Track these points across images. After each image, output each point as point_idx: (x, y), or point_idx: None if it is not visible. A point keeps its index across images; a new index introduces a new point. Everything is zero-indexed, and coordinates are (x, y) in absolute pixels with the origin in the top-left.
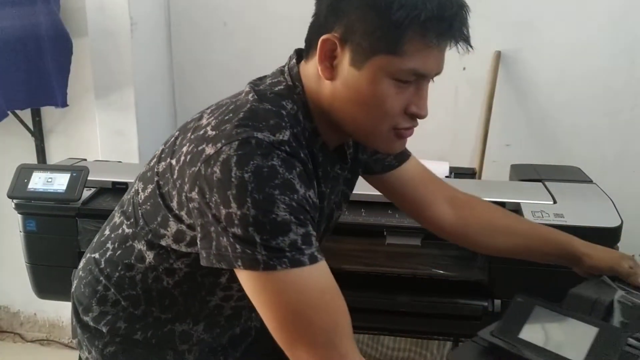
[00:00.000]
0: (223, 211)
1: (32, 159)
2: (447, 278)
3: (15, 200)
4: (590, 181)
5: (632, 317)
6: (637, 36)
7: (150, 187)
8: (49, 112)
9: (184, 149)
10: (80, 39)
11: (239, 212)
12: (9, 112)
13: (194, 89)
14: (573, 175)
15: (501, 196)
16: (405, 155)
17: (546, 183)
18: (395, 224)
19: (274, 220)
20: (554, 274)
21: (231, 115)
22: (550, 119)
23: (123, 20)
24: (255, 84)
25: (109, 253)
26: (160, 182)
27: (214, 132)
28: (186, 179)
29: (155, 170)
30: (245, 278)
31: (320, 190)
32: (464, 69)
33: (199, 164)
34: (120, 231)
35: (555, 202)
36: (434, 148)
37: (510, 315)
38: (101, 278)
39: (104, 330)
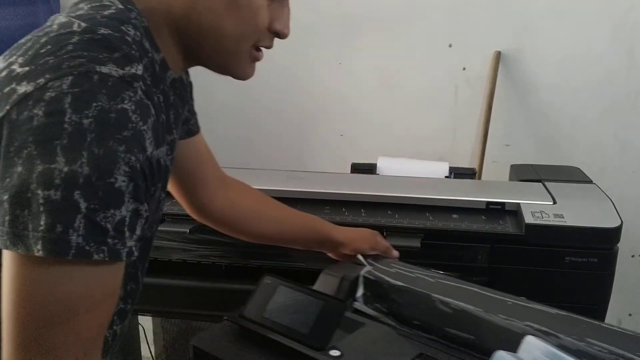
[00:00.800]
0: (39, 167)
1: None
2: None
3: None
4: (590, 181)
5: (374, 289)
6: (638, 36)
7: None
8: None
9: None
10: None
11: (65, 169)
12: None
13: (194, 88)
14: (573, 176)
15: (501, 196)
16: (198, 126)
17: (546, 183)
18: (395, 224)
19: (110, 186)
20: (554, 274)
21: (50, 47)
22: (551, 119)
23: None
24: (69, 13)
25: None
26: None
27: (26, 68)
28: None
29: None
30: (14, 264)
31: (172, 139)
32: (464, 68)
33: (6, 108)
34: None
35: (555, 202)
36: (433, 148)
37: (257, 295)
38: None
39: None
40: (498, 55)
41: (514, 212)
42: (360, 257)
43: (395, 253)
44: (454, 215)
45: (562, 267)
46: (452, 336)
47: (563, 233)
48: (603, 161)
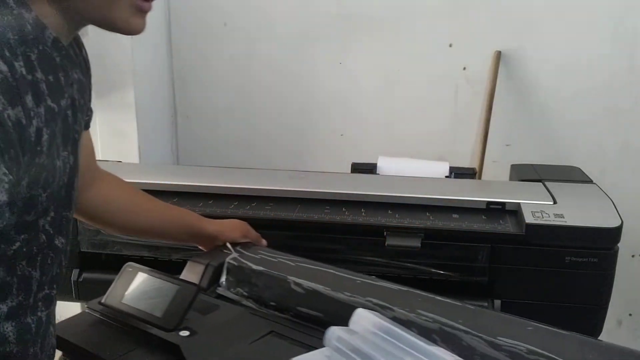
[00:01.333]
0: None
1: None
2: (447, 278)
3: None
4: (591, 181)
5: (237, 275)
6: (637, 36)
7: None
8: None
9: None
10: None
11: None
12: None
13: (194, 88)
14: (573, 176)
15: (501, 196)
16: (89, 124)
17: (546, 183)
18: (396, 224)
19: None
20: (555, 274)
21: None
22: (551, 119)
23: None
24: None
25: None
26: None
27: None
28: None
29: None
30: None
31: (69, 103)
32: (464, 68)
33: None
34: None
35: (555, 202)
36: (434, 148)
37: (117, 283)
38: None
39: None
40: (498, 55)
41: (515, 212)
42: (229, 245)
43: (264, 242)
44: (455, 215)
45: (563, 267)
46: (304, 314)
47: (563, 233)
48: (603, 161)
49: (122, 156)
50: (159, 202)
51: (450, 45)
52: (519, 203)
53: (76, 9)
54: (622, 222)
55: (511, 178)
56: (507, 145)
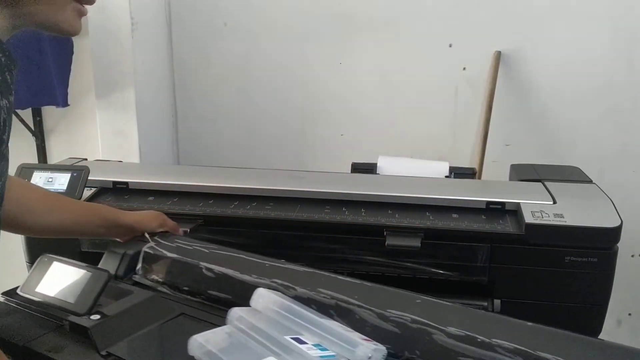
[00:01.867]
0: None
1: (33, 159)
2: (447, 278)
3: None
4: (590, 181)
5: (153, 262)
6: (637, 36)
7: None
8: (49, 112)
9: None
10: (81, 39)
11: None
12: None
13: (195, 89)
14: (573, 176)
15: (501, 196)
16: None
17: (546, 183)
18: (396, 223)
19: None
20: (554, 274)
21: None
22: (551, 119)
23: (124, 20)
24: None
25: None
26: None
27: None
28: None
29: None
30: None
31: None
32: (464, 69)
33: None
34: None
35: (555, 202)
36: (434, 148)
37: (33, 273)
38: None
39: None
40: (498, 55)
41: (514, 211)
42: (146, 235)
43: (181, 231)
44: (454, 215)
45: (562, 267)
46: (214, 297)
47: (563, 233)
48: (603, 161)
49: (122, 156)
50: (71, 200)
51: (450, 45)
52: (518, 203)
53: (24, 13)
54: (621, 221)
55: (511, 178)
56: (507, 145)
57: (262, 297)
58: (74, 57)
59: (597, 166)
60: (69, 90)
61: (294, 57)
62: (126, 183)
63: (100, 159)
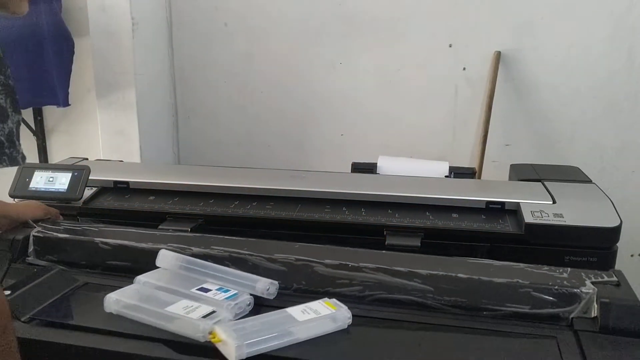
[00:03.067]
0: None
1: (34, 158)
2: None
3: (17, 200)
4: (590, 181)
5: (44, 244)
6: (637, 36)
7: None
8: (50, 112)
9: None
10: (82, 39)
11: None
12: None
13: (195, 88)
14: (572, 175)
15: (501, 196)
16: None
17: (545, 183)
18: (396, 223)
19: None
20: None
21: None
22: (550, 119)
23: (124, 20)
24: None
25: None
26: None
27: None
28: None
29: None
30: None
31: None
32: (464, 69)
33: None
34: None
35: (554, 202)
36: (434, 148)
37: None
38: None
39: None
40: (498, 55)
41: (514, 211)
42: (30, 222)
43: (61, 217)
44: (454, 215)
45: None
46: (114, 266)
47: (563, 232)
48: (603, 161)
49: (123, 155)
50: None
51: (450, 46)
52: (518, 203)
53: None
54: (621, 221)
55: (510, 178)
56: (507, 145)
57: (166, 257)
58: (74, 57)
59: (597, 166)
60: (70, 90)
61: (294, 57)
62: (127, 183)
63: (101, 158)
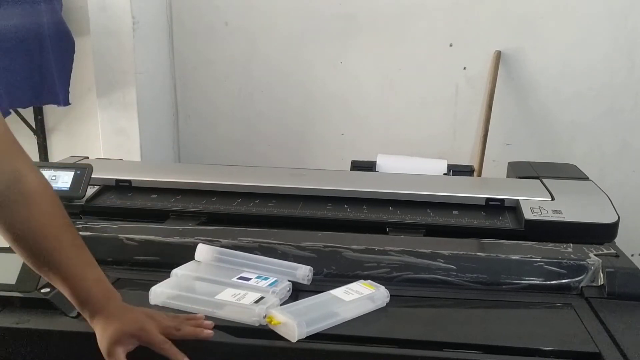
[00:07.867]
0: None
1: (35, 158)
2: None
3: None
4: (587, 178)
5: None
6: (637, 36)
7: None
8: (51, 111)
9: None
10: (83, 38)
11: None
12: (11, 111)
13: (196, 87)
14: (569, 173)
15: (500, 193)
16: None
17: (543, 180)
18: (397, 220)
19: None
20: None
21: None
22: (550, 119)
23: (125, 19)
24: None
25: None
26: None
27: None
28: None
29: None
30: None
31: None
32: (464, 68)
33: None
34: None
35: (553, 198)
36: (434, 147)
37: None
38: None
39: None
40: (498, 55)
41: (514, 208)
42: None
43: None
44: (455, 212)
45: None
46: (142, 261)
47: (562, 228)
48: (603, 160)
49: (123, 154)
50: None
51: (450, 45)
52: (517, 200)
53: None
54: (618, 217)
55: (508, 175)
56: (507, 144)
57: (203, 250)
58: (75, 56)
59: (597, 165)
60: (70, 89)
61: (294, 56)
62: (129, 181)
63: (102, 157)
